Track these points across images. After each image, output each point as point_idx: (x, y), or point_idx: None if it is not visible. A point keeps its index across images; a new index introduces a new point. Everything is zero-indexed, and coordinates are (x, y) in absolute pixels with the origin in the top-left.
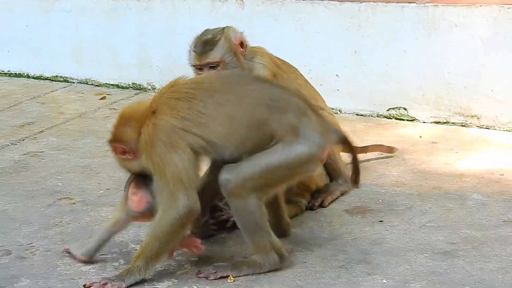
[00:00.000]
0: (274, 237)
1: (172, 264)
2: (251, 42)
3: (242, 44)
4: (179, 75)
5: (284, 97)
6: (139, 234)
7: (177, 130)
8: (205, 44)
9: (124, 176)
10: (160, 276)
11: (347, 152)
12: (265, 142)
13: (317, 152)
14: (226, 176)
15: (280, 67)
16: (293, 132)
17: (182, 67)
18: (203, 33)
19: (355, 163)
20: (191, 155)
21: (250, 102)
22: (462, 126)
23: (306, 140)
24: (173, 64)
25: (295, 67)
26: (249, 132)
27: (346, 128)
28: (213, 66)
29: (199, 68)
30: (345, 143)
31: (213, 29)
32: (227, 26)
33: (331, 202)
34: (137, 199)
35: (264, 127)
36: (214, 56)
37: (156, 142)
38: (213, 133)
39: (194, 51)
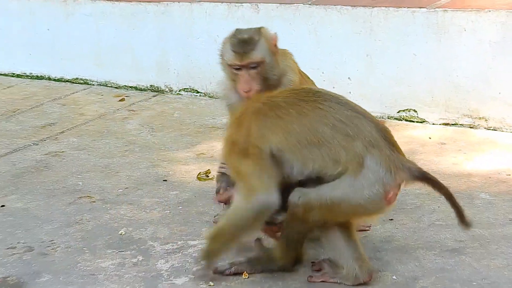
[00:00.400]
0: (304, 246)
1: (189, 261)
2: None
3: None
4: (196, 77)
5: (356, 122)
6: (156, 231)
7: (242, 143)
8: (245, 43)
9: (142, 175)
10: (177, 272)
11: (436, 191)
12: (330, 167)
13: (379, 190)
14: (295, 200)
15: (301, 73)
16: (358, 162)
17: (199, 70)
18: (237, 32)
19: (451, 201)
20: (265, 158)
21: (312, 119)
22: (470, 127)
23: (370, 174)
24: (190, 66)
25: (310, 78)
26: (308, 152)
27: None
28: (253, 67)
29: (237, 68)
30: (426, 181)
31: (246, 29)
32: (262, 27)
33: None
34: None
35: (326, 149)
36: (256, 56)
37: (231, 150)
38: (270, 143)
39: (233, 50)
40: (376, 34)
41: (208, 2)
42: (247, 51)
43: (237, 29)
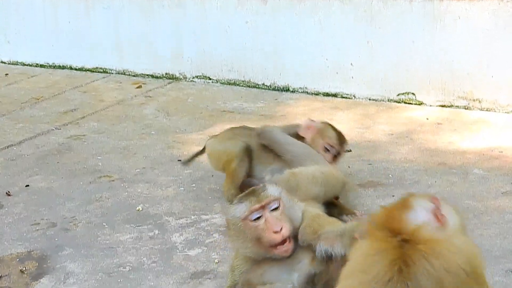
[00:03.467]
0: None
1: (201, 234)
2: (274, 34)
3: None
4: (208, 65)
5: None
6: (171, 207)
7: None
8: None
9: (158, 155)
10: (191, 244)
11: None
12: None
13: None
14: None
15: None
16: None
17: (211, 58)
18: None
19: None
20: None
21: None
22: (465, 109)
23: None
24: (203, 55)
25: None
26: None
27: (359, 112)
28: None
29: None
30: None
31: None
32: None
33: None
34: None
35: None
36: None
37: None
38: None
39: None
40: (376, 22)
41: None
42: None
43: None
